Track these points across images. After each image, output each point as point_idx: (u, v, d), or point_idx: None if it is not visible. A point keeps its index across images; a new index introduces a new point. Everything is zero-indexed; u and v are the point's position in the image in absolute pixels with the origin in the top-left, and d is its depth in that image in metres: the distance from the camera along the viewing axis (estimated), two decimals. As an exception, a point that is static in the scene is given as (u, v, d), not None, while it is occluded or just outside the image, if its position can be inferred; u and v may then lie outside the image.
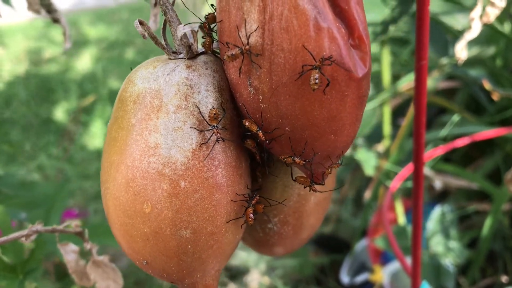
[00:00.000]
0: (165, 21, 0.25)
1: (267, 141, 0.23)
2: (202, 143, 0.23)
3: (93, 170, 1.32)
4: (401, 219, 0.78)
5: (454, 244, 0.72)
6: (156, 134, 0.23)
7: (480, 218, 0.78)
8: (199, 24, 0.24)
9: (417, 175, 0.35)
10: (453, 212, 0.75)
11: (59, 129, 1.53)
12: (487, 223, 0.68)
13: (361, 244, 0.86)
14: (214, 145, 0.23)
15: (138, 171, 0.23)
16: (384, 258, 0.82)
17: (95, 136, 1.49)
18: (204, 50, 0.25)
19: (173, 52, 0.25)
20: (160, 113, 0.23)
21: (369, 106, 0.77)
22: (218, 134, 0.23)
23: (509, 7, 0.65)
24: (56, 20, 0.46)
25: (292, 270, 0.93)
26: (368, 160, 0.75)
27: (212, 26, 0.24)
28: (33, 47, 2.19)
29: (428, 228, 0.74)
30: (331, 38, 0.20)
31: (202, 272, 0.25)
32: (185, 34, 0.24)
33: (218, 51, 0.25)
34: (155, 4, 0.32)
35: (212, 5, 0.24)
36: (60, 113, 1.64)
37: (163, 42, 0.25)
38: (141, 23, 0.23)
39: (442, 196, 0.85)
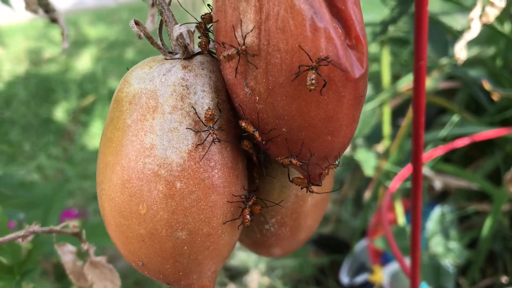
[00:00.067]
0: (161, 21, 0.25)
1: (264, 142, 0.23)
2: (198, 144, 0.23)
3: (93, 170, 1.32)
4: (401, 219, 0.78)
5: (454, 244, 0.72)
6: (152, 135, 0.23)
7: (480, 219, 0.78)
8: (196, 24, 0.24)
9: (416, 175, 0.35)
10: (453, 212, 0.75)
11: (59, 129, 1.53)
12: (487, 224, 0.67)
13: (361, 245, 0.86)
14: (210, 146, 0.23)
15: (134, 172, 0.23)
16: (384, 258, 0.82)
17: (95, 136, 1.49)
18: (200, 50, 0.25)
19: (169, 52, 0.25)
20: (156, 113, 0.23)
21: (369, 106, 0.77)
22: (214, 135, 0.23)
23: (509, 7, 0.65)
24: (54, 20, 0.46)
25: (292, 270, 0.93)
26: (368, 161, 0.75)
27: (208, 26, 0.24)
28: (33, 47, 2.19)
29: (428, 228, 0.74)
30: (328, 39, 0.20)
31: (199, 274, 0.25)
32: (181, 34, 0.23)
33: (214, 51, 0.25)
34: (153, 5, 0.32)
35: (208, 5, 0.24)
36: (60, 113, 1.64)
37: (159, 42, 0.25)
38: (136, 23, 0.23)
39: (442, 197, 0.85)
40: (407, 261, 0.50)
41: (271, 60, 0.21)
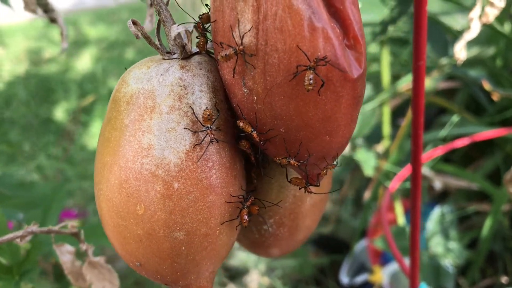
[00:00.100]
0: (159, 21, 0.25)
1: (262, 142, 0.23)
2: (196, 144, 0.23)
3: (92, 170, 1.31)
4: (401, 219, 0.78)
5: (453, 244, 0.72)
6: (150, 135, 0.22)
7: (480, 219, 0.78)
8: (194, 24, 0.24)
9: (415, 176, 0.35)
10: (453, 212, 0.75)
11: (59, 129, 1.53)
12: (487, 224, 0.67)
13: (360, 245, 0.86)
14: (208, 146, 0.23)
15: (131, 172, 0.23)
16: (383, 258, 0.82)
17: (95, 136, 1.49)
18: (198, 50, 0.25)
19: (167, 52, 0.25)
20: (154, 113, 0.23)
21: (369, 106, 0.77)
22: (212, 135, 0.23)
23: (509, 7, 0.65)
24: (53, 20, 0.46)
25: (292, 270, 0.93)
26: (368, 161, 0.75)
27: (206, 26, 0.24)
28: (33, 47, 2.19)
29: (428, 228, 0.74)
30: (326, 38, 0.20)
31: (196, 274, 0.25)
32: (179, 34, 0.23)
33: (212, 51, 0.25)
34: (151, 5, 0.32)
35: (206, 5, 0.24)
36: (60, 113, 1.64)
37: (157, 42, 0.25)
38: (134, 23, 0.23)
39: (442, 197, 0.85)
40: (407, 261, 0.50)
41: (269, 60, 0.21)
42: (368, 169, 0.73)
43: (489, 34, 0.70)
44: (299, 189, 0.25)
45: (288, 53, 0.20)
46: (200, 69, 0.24)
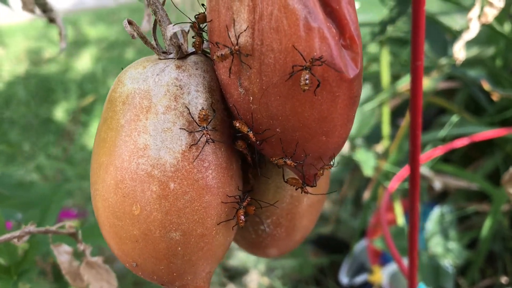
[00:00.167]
0: (155, 21, 0.25)
1: (258, 142, 0.23)
2: (192, 144, 0.23)
3: (92, 170, 1.31)
4: (400, 219, 0.78)
5: (453, 245, 0.72)
6: (145, 135, 0.22)
7: (480, 219, 0.78)
8: (190, 24, 0.24)
9: (413, 176, 0.35)
10: (452, 212, 0.75)
11: (58, 129, 1.53)
12: (487, 224, 0.67)
13: (360, 245, 0.86)
14: (204, 146, 0.23)
15: (127, 173, 0.23)
16: (383, 258, 0.82)
17: (94, 136, 1.49)
18: (194, 50, 0.25)
19: (163, 52, 0.25)
20: (149, 114, 0.23)
21: (368, 106, 0.77)
22: (208, 135, 0.22)
23: (508, 7, 0.65)
24: (52, 20, 0.46)
25: (292, 270, 0.93)
26: (367, 161, 0.75)
27: (202, 26, 0.24)
28: (33, 47, 2.19)
29: (427, 228, 0.74)
30: (322, 38, 0.20)
31: (193, 275, 0.25)
32: (175, 34, 0.23)
33: (208, 51, 0.25)
34: (149, 4, 0.32)
35: (203, 4, 0.24)
36: (60, 113, 1.64)
37: (153, 42, 0.25)
38: (130, 23, 0.23)
39: (441, 197, 0.85)
40: (407, 261, 0.50)
41: (265, 60, 0.20)
42: (368, 169, 0.73)
43: (488, 34, 0.70)
44: (296, 189, 0.25)
45: (284, 53, 0.20)
46: (196, 69, 0.24)
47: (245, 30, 0.21)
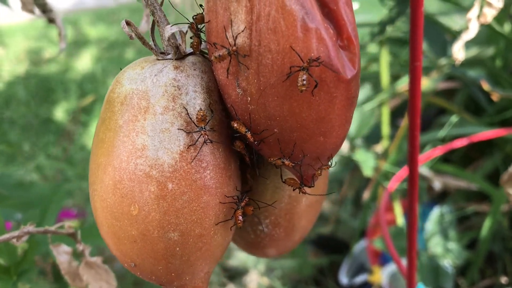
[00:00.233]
0: (153, 21, 0.25)
1: (256, 143, 0.23)
2: (190, 145, 0.23)
3: (92, 170, 1.31)
4: (400, 220, 0.78)
5: (453, 245, 0.72)
6: (143, 136, 0.22)
7: (479, 219, 0.78)
8: (188, 24, 0.24)
9: (412, 177, 0.35)
10: (452, 213, 0.75)
11: (58, 129, 1.53)
12: (486, 224, 0.67)
13: (360, 245, 0.86)
14: (202, 147, 0.23)
15: (125, 173, 0.23)
16: (383, 259, 0.82)
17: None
18: (192, 50, 0.25)
19: (161, 53, 0.25)
20: (147, 114, 0.23)
21: (368, 106, 0.77)
22: (206, 136, 0.23)
23: (508, 7, 0.65)
24: (51, 20, 0.46)
25: (291, 270, 0.93)
26: (367, 161, 0.75)
27: (200, 26, 0.24)
28: (33, 47, 2.19)
29: (427, 229, 0.74)
30: (319, 39, 0.20)
31: (191, 275, 0.25)
32: (173, 35, 0.23)
33: (206, 51, 0.25)
34: (147, 5, 0.32)
35: (200, 5, 0.24)
36: (60, 113, 1.65)
37: (151, 43, 0.25)
38: (128, 23, 0.23)
39: (441, 197, 0.85)
40: (406, 261, 0.50)
41: (263, 61, 0.20)
42: (367, 170, 0.73)
43: (488, 34, 0.70)
44: (293, 189, 0.25)
45: (281, 53, 0.20)
46: (194, 69, 0.24)
47: (242, 31, 0.21)
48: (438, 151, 0.66)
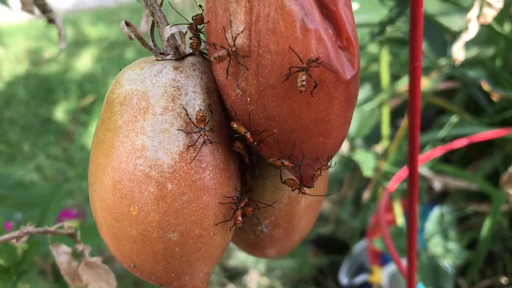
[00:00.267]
0: (153, 22, 0.25)
1: (255, 143, 0.23)
2: (190, 145, 0.23)
3: (92, 170, 1.31)
4: (400, 220, 0.78)
5: (453, 245, 0.72)
6: (143, 136, 0.22)
7: (479, 219, 0.78)
8: (187, 25, 0.24)
9: (412, 177, 0.35)
10: (452, 213, 0.75)
11: (58, 129, 1.53)
12: (486, 224, 0.67)
13: (360, 245, 0.86)
14: (201, 147, 0.23)
15: (125, 174, 0.23)
16: (383, 259, 0.82)
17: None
18: (192, 51, 0.25)
19: (161, 53, 0.25)
20: (147, 115, 0.23)
21: (368, 106, 0.77)
22: (206, 136, 0.23)
23: (508, 8, 0.65)
24: (51, 21, 0.46)
25: (291, 271, 0.93)
26: (367, 161, 0.75)
27: (200, 27, 0.24)
28: (33, 47, 2.19)
29: (427, 229, 0.74)
30: (319, 40, 0.20)
31: (191, 275, 0.25)
32: (172, 35, 0.23)
33: (206, 52, 0.25)
34: (146, 6, 0.32)
35: (200, 5, 0.24)
36: (60, 113, 1.65)
37: (150, 43, 0.25)
38: (127, 24, 0.23)
39: (441, 197, 0.85)
40: (406, 262, 0.50)
41: (262, 62, 0.20)
42: (367, 170, 0.73)
43: (488, 34, 0.70)
44: (293, 190, 0.25)
45: (280, 54, 0.20)
46: (194, 70, 0.24)
47: (242, 32, 0.21)
48: (438, 151, 0.66)
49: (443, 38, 0.69)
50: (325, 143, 0.22)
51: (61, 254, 0.36)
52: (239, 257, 0.95)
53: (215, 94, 0.24)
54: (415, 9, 0.28)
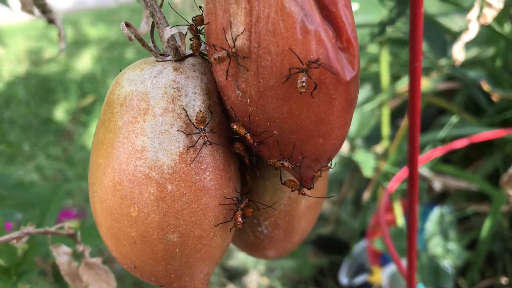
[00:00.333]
0: (153, 23, 0.25)
1: (256, 144, 0.23)
2: (190, 146, 0.23)
3: (92, 170, 1.31)
4: (400, 220, 0.78)
5: (453, 245, 0.72)
6: (143, 137, 0.22)
7: (479, 220, 0.78)
8: (187, 26, 0.24)
9: (412, 177, 0.35)
10: (452, 213, 0.75)
11: (58, 129, 1.53)
12: (486, 225, 0.67)
13: (360, 245, 0.86)
14: (201, 148, 0.23)
15: (125, 175, 0.23)
16: (383, 259, 0.82)
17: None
18: (192, 52, 0.25)
19: (161, 54, 0.25)
20: (147, 116, 0.23)
21: (368, 107, 0.77)
22: (206, 138, 0.22)
23: (508, 8, 0.65)
24: (51, 21, 0.46)
25: (291, 271, 0.93)
26: (367, 161, 0.75)
27: (200, 28, 0.24)
28: (33, 47, 2.19)
29: (427, 229, 0.74)
30: (318, 41, 0.20)
31: (191, 276, 0.25)
32: (172, 36, 0.23)
33: (206, 53, 0.25)
34: (146, 6, 0.32)
35: (200, 7, 0.24)
36: (60, 113, 1.65)
37: (150, 44, 0.25)
38: (127, 25, 0.23)
39: (441, 197, 0.85)
40: (406, 262, 0.50)
41: (262, 63, 0.20)
42: (367, 170, 0.73)
43: (488, 35, 0.70)
44: (293, 191, 0.25)
45: (280, 55, 0.20)
46: (194, 71, 0.24)
47: (242, 33, 0.21)
48: (438, 151, 0.66)
49: (443, 39, 0.69)
50: (325, 144, 0.22)
51: (61, 255, 0.36)
52: (239, 258, 0.95)
53: (215, 95, 0.24)
54: (415, 9, 0.28)
